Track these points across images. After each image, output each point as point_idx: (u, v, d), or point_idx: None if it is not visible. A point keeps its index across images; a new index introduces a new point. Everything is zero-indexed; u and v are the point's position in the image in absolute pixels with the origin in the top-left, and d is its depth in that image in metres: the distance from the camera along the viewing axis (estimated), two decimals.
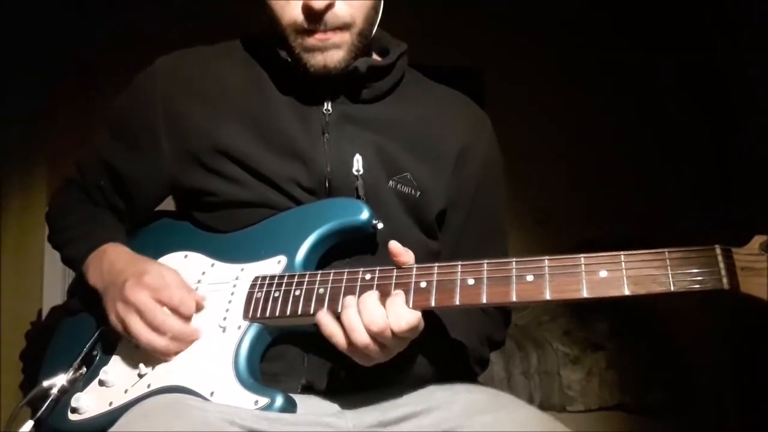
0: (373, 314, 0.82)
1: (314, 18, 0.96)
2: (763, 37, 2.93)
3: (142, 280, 0.93)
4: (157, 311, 0.91)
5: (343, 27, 0.98)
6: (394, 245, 0.87)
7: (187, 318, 0.94)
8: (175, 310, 0.93)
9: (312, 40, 0.98)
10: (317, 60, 0.99)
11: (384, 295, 0.84)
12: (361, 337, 0.82)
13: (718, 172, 3.61)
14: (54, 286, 2.85)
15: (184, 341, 0.93)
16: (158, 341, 0.92)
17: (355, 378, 0.95)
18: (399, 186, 1.02)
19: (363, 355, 0.84)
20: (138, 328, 0.92)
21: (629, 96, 3.69)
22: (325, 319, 0.85)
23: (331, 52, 0.98)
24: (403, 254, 0.87)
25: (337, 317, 0.85)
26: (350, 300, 0.85)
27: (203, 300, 0.96)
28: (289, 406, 0.87)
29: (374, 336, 0.82)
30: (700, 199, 3.32)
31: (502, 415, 0.84)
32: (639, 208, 3.35)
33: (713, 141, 3.67)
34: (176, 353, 0.93)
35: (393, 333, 0.81)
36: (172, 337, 0.92)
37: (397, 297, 0.83)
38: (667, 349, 3.17)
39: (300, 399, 0.90)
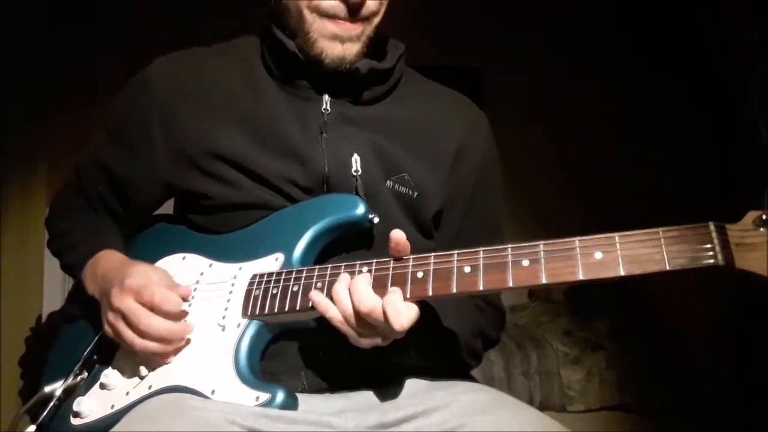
0: (362, 295, 0.82)
1: (351, 11, 0.97)
2: (764, 37, 2.93)
3: (125, 285, 0.93)
4: (141, 315, 0.91)
5: (369, 16, 0.99)
6: (398, 234, 0.87)
7: (173, 315, 0.94)
8: (158, 309, 0.92)
9: (335, 27, 0.98)
10: (336, 50, 0.99)
11: (381, 287, 0.85)
12: (347, 309, 0.83)
13: (717, 172, 3.61)
14: (54, 290, 2.85)
15: (176, 339, 0.93)
16: (150, 345, 0.92)
17: (356, 377, 0.95)
18: (396, 186, 1.02)
19: (357, 334, 0.85)
20: (128, 335, 0.92)
21: (629, 96, 3.69)
22: (317, 296, 0.86)
23: (350, 44, 0.99)
24: (403, 245, 0.87)
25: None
26: (343, 276, 0.86)
27: (190, 293, 0.96)
28: (291, 402, 0.87)
29: (364, 315, 0.82)
30: (699, 199, 3.31)
31: (503, 416, 0.84)
32: (638, 208, 3.35)
33: (713, 141, 3.66)
34: (174, 353, 0.93)
35: (394, 329, 0.82)
36: (162, 339, 0.92)
37: (394, 294, 0.83)
38: (667, 349, 3.17)
39: (301, 398, 0.90)
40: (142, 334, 0.91)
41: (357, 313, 0.83)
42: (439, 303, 0.96)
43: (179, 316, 0.95)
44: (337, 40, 0.98)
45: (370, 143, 1.02)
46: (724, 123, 3.51)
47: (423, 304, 0.86)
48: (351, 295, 0.83)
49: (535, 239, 0.82)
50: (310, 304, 0.88)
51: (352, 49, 0.99)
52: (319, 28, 0.98)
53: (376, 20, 1.00)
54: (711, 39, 3.45)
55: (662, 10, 3.57)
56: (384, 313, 0.82)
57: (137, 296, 0.92)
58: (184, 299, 0.96)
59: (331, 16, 0.98)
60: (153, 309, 0.92)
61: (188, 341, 0.95)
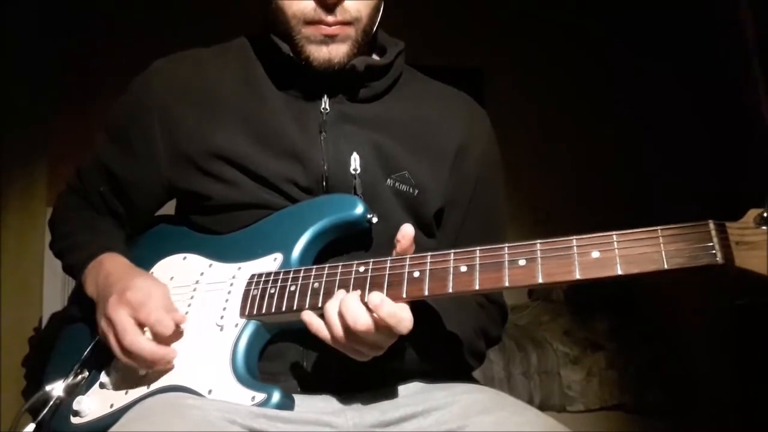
0: (356, 315, 0.81)
1: (325, 9, 0.97)
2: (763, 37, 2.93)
3: (124, 297, 0.93)
4: (128, 332, 0.91)
5: (350, 21, 0.99)
6: (407, 228, 0.87)
7: (162, 339, 0.93)
8: (151, 330, 0.92)
9: (318, 32, 0.98)
10: (322, 53, 0.99)
11: (377, 287, 0.84)
12: (341, 335, 0.82)
13: (718, 173, 3.61)
14: (54, 291, 2.85)
15: (157, 363, 0.92)
16: (131, 361, 0.92)
17: (355, 377, 0.95)
18: (397, 184, 1.02)
19: (353, 350, 0.84)
20: (114, 345, 0.92)
21: (629, 96, 3.69)
22: (309, 317, 0.86)
23: (336, 45, 0.99)
24: (408, 240, 0.87)
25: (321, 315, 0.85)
26: (332, 304, 0.84)
27: (184, 320, 0.95)
28: (286, 402, 0.87)
29: (360, 334, 0.81)
30: (700, 200, 3.32)
31: (503, 416, 0.83)
32: (638, 207, 3.35)
33: (713, 142, 3.66)
34: (157, 371, 0.93)
35: (401, 333, 0.81)
36: (142, 359, 0.91)
37: (387, 304, 0.82)
38: (667, 349, 3.17)
39: (300, 398, 0.90)
40: (124, 350, 0.91)
41: (354, 333, 0.82)
42: (441, 304, 0.96)
43: (168, 340, 0.94)
44: (322, 44, 0.99)
45: (370, 142, 1.02)
46: (725, 121, 3.51)
47: (425, 306, 0.86)
48: (344, 316, 0.82)
49: (534, 239, 0.81)
50: (307, 306, 0.88)
51: (338, 51, 0.99)
52: (304, 34, 0.99)
53: (362, 25, 1.01)
54: (714, 39, 3.45)
55: (662, 10, 3.57)
56: (387, 326, 0.81)
57: (133, 311, 0.92)
58: (177, 325, 0.95)
59: (312, 23, 0.98)
60: (147, 327, 0.92)
61: (187, 342, 0.95)
